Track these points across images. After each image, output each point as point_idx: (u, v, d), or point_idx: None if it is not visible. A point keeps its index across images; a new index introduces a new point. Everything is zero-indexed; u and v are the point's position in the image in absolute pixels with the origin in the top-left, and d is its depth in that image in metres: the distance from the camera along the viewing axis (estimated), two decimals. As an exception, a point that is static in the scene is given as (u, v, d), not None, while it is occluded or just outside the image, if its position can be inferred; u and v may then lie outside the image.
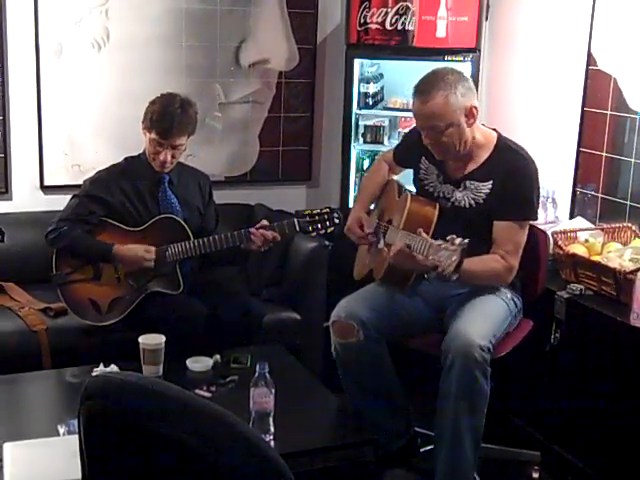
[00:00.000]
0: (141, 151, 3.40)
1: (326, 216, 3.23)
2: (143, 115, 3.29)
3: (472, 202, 2.84)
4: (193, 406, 1.40)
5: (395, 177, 3.22)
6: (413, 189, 3.09)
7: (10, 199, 3.91)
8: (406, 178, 3.18)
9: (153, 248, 3.26)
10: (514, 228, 2.80)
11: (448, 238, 2.47)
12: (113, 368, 2.80)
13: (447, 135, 2.74)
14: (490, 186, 2.82)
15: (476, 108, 2.78)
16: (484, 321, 2.73)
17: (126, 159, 3.44)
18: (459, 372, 2.62)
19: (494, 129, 2.94)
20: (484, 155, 2.85)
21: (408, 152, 3.07)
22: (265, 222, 3.25)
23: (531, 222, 2.93)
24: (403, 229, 2.79)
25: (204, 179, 3.56)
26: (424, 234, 2.59)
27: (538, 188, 2.85)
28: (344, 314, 2.86)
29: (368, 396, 2.93)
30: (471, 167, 2.86)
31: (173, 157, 3.29)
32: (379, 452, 2.74)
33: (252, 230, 3.22)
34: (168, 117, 3.21)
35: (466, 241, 2.44)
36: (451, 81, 2.72)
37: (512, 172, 2.79)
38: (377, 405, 2.94)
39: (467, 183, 2.85)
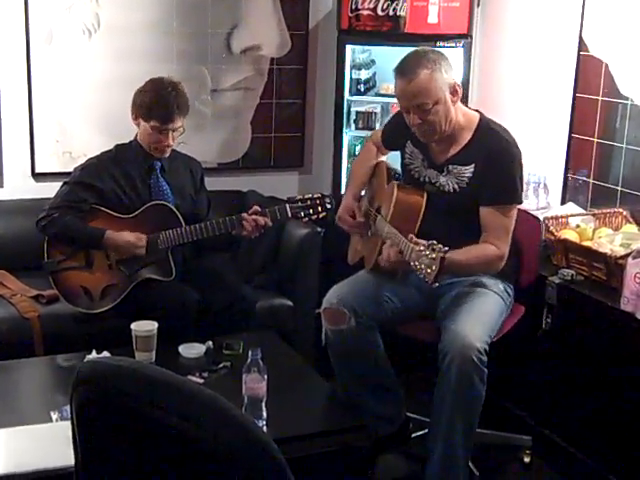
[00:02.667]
0: (132, 139, 3.39)
1: (318, 201, 3.23)
2: (133, 105, 3.29)
3: (456, 186, 2.82)
4: (186, 391, 1.40)
5: (384, 158, 3.20)
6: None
7: (1, 186, 3.90)
8: (396, 159, 3.17)
9: (144, 236, 3.26)
10: (502, 213, 2.77)
11: (428, 243, 2.45)
12: (105, 355, 2.80)
13: (434, 113, 2.71)
14: (472, 169, 2.79)
15: (459, 86, 2.77)
16: (480, 321, 2.73)
17: (117, 146, 3.43)
18: (456, 375, 2.62)
19: (477, 110, 2.93)
20: (466, 137, 2.83)
21: (395, 135, 3.04)
22: (257, 208, 3.25)
23: (522, 207, 2.93)
24: (390, 220, 2.78)
25: (196, 165, 3.56)
26: (410, 236, 2.56)
27: (521, 171, 2.82)
28: (335, 301, 2.86)
29: (360, 382, 2.94)
30: (454, 150, 2.84)
31: (173, 139, 3.30)
32: (370, 437, 2.75)
33: (244, 216, 3.22)
34: (165, 102, 3.22)
35: (446, 249, 2.41)
36: (434, 59, 2.71)
37: (494, 155, 2.77)
38: (369, 391, 2.95)
39: (450, 167, 2.83)
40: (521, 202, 2.87)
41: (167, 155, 3.36)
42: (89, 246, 3.31)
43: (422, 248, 2.44)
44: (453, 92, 2.74)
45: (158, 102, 3.22)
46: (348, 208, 3.07)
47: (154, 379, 1.41)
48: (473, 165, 2.79)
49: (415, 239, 2.53)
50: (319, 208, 3.23)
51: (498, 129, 2.84)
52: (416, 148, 2.93)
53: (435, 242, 2.43)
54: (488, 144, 2.78)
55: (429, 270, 2.39)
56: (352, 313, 2.82)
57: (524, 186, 2.91)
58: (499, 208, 2.77)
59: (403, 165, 3.02)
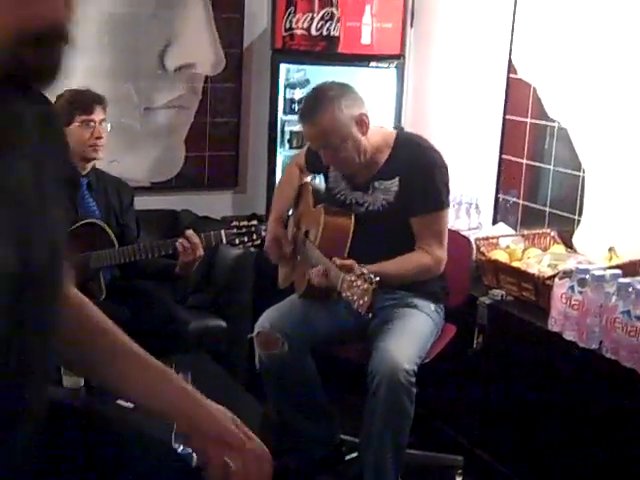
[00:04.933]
0: None
1: (254, 229, 3.19)
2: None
3: (384, 202, 2.83)
4: (109, 417, 1.38)
5: (308, 179, 3.18)
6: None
7: None
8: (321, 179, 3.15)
9: None
10: (430, 220, 2.80)
11: (359, 273, 2.44)
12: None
13: (344, 150, 2.72)
14: (397, 183, 2.80)
15: (366, 116, 2.75)
16: (410, 342, 2.73)
17: None
18: (385, 395, 2.62)
19: (395, 127, 2.95)
20: (385, 155, 2.84)
21: (316, 160, 2.97)
22: (190, 232, 3.19)
23: (453, 228, 2.95)
24: (320, 246, 2.76)
25: (125, 189, 3.50)
26: (338, 261, 2.55)
27: (444, 174, 2.82)
28: (268, 325, 2.84)
29: (293, 405, 2.93)
30: (375, 169, 2.84)
31: (103, 133, 3.27)
32: (304, 460, 2.74)
33: (178, 240, 3.16)
34: (81, 95, 3.24)
35: (377, 279, 2.40)
36: (333, 96, 2.70)
37: (415, 165, 2.78)
38: (302, 414, 2.94)
39: (375, 184, 2.83)
40: (448, 206, 2.88)
41: (101, 154, 3.31)
42: None
43: (353, 278, 2.42)
44: (360, 123, 2.73)
45: (75, 97, 3.22)
46: (275, 239, 3.02)
47: (74, 410, 1.38)
48: (397, 178, 2.80)
49: (346, 265, 2.51)
50: (254, 236, 3.19)
51: (415, 139, 2.87)
52: (338, 172, 2.93)
53: (366, 271, 2.41)
54: (408, 156, 2.80)
55: (361, 301, 2.38)
56: (284, 337, 2.80)
57: (450, 195, 2.92)
58: (427, 216, 2.79)
59: (327, 188, 3.01)
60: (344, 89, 2.74)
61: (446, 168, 2.84)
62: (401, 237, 2.80)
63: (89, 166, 3.34)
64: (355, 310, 2.43)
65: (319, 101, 2.70)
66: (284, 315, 2.88)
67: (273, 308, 2.93)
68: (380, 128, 2.89)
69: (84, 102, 3.23)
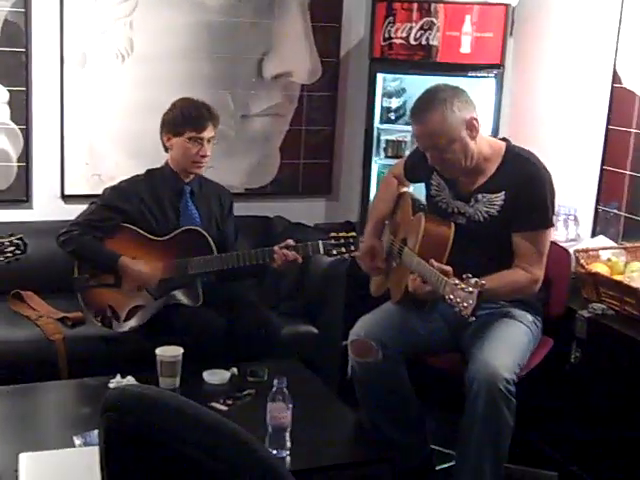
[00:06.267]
0: (162, 164, 3.41)
1: (351, 240, 3.20)
2: (162, 126, 3.33)
3: (486, 215, 2.79)
4: (208, 423, 1.39)
5: (409, 189, 3.17)
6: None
7: (31, 208, 3.93)
8: (419, 189, 3.14)
9: (160, 269, 3.27)
10: (533, 238, 2.74)
11: (464, 277, 2.41)
12: (130, 379, 2.79)
13: (451, 152, 2.69)
14: (503, 197, 2.76)
15: (476, 120, 2.72)
16: (509, 351, 2.68)
17: (148, 171, 3.45)
18: (483, 405, 2.58)
19: (504, 139, 2.91)
20: (493, 167, 2.79)
21: (418, 168, 2.99)
22: (290, 242, 3.23)
23: (551, 239, 2.89)
24: (419, 253, 2.75)
25: (225, 194, 3.56)
26: (436, 264, 2.54)
27: (552, 193, 2.78)
28: (363, 333, 2.83)
29: (385, 413, 2.91)
30: (481, 180, 2.81)
31: (209, 150, 3.33)
32: (395, 469, 2.71)
33: (275, 249, 3.20)
34: (195, 110, 3.29)
35: (483, 282, 2.38)
36: (445, 97, 2.68)
37: (524, 181, 2.74)
38: (394, 422, 2.91)
39: (479, 196, 2.80)
40: (553, 225, 2.83)
41: (203, 170, 3.37)
42: (103, 269, 3.32)
43: (457, 281, 2.41)
44: (470, 127, 2.70)
45: (189, 111, 3.28)
46: (369, 248, 3.04)
47: (176, 410, 1.41)
48: (503, 193, 2.76)
49: (446, 270, 2.50)
50: (352, 247, 3.19)
51: (525, 154, 2.81)
52: (442, 180, 2.91)
53: (470, 275, 2.40)
54: (517, 170, 2.76)
55: (465, 304, 2.36)
56: (379, 346, 2.78)
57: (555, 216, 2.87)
58: (531, 233, 2.74)
59: (429, 196, 2.99)
60: (456, 91, 2.73)
61: (553, 187, 2.79)
62: (499, 250, 2.76)
63: (192, 174, 3.40)
64: (458, 313, 2.41)
65: (431, 101, 2.69)
66: (379, 323, 2.86)
67: (368, 315, 2.92)
68: (489, 137, 2.86)
69: (197, 119, 3.27)
